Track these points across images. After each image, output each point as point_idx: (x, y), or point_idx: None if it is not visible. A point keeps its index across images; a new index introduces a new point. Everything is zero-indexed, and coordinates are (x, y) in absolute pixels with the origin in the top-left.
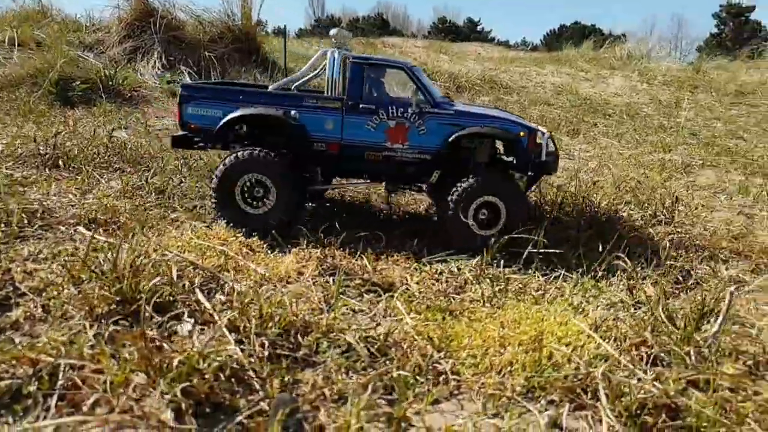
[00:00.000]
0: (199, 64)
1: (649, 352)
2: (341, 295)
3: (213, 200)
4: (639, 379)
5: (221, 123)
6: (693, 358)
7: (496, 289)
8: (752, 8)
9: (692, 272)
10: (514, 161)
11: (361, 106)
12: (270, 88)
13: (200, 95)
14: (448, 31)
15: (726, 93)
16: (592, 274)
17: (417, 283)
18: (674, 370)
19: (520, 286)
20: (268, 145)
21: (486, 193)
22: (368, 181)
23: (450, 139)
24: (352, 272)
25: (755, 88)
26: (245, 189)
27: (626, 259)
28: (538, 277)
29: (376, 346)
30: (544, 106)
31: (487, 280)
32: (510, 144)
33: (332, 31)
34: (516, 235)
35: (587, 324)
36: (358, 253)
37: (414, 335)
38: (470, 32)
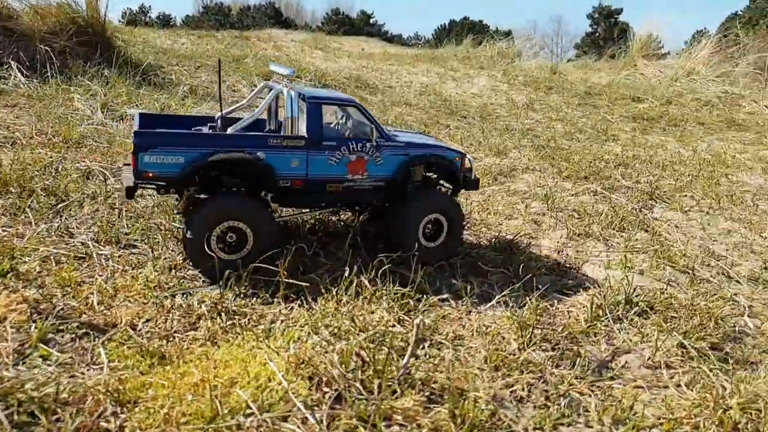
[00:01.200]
0: (34, 59)
1: (336, 388)
2: (42, 344)
3: (187, 254)
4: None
5: (187, 170)
6: (378, 391)
7: (228, 324)
8: (620, 11)
9: (442, 290)
10: (450, 181)
11: (323, 143)
12: (231, 129)
13: (158, 142)
14: (341, 23)
15: (575, 94)
16: (339, 296)
17: (147, 321)
18: (346, 409)
19: (257, 318)
20: (232, 187)
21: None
22: (324, 208)
23: (401, 167)
24: (69, 313)
25: (602, 89)
26: (220, 236)
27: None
28: (282, 306)
29: (45, 405)
30: (405, 107)
31: (223, 315)
32: (446, 167)
33: (283, 71)
34: (261, 264)
35: (292, 361)
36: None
37: (97, 389)
38: (363, 25)
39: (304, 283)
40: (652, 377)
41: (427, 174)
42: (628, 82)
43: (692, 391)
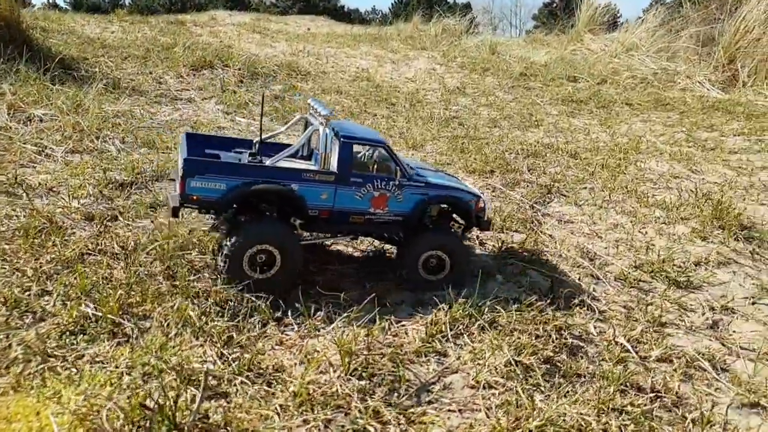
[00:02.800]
0: None
1: None
2: None
3: (223, 271)
4: None
5: (228, 196)
6: None
7: (39, 368)
8: None
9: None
10: (464, 221)
11: (351, 179)
12: (270, 161)
13: (204, 169)
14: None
15: (510, 75)
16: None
17: None
18: None
19: (72, 360)
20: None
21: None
22: (346, 236)
23: (419, 205)
24: None
25: (539, 69)
26: (252, 258)
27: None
28: (106, 344)
29: None
30: (335, 95)
31: (38, 357)
32: (461, 208)
33: (321, 110)
34: None
35: (79, 413)
36: None
37: None
38: (320, 0)
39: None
40: (470, 400)
41: (443, 210)
42: (576, 57)
43: (500, 413)
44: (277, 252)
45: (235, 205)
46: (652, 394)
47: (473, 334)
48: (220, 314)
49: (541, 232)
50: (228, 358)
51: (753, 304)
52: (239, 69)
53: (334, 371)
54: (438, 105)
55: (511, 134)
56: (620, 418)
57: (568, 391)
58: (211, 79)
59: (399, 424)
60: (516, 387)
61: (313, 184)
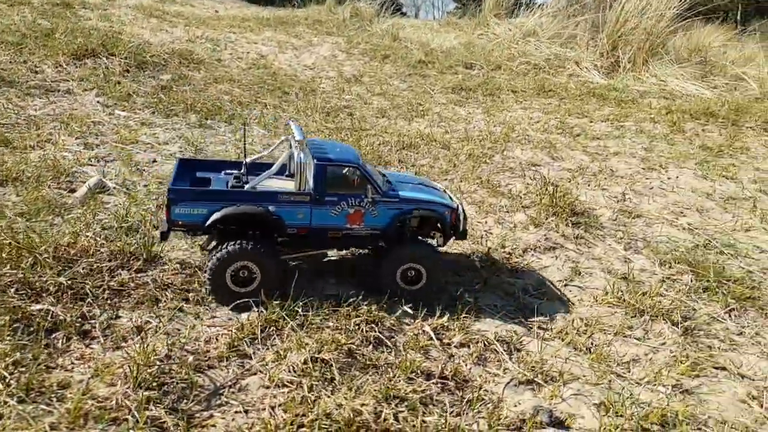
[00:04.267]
0: None
1: None
2: None
3: (207, 287)
4: None
5: (210, 221)
6: None
7: None
8: None
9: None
10: (440, 232)
11: (326, 198)
12: (249, 185)
13: (186, 197)
14: None
15: (408, 63)
16: None
17: None
18: None
19: None
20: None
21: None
22: (326, 249)
23: (394, 219)
24: None
25: (439, 56)
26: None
27: None
28: None
29: None
30: (227, 84)
31: None
32: (436, 220)
33: (297, 135)
34: None
35: None
36: None
37: None
38: None
39: None
40: (259, 399)
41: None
42: (482, 42)
43: (283, 411)
44: (256, 267)
45: (219, 226)
46: (440, 380)
47: (284, 334)
48: (11, 332)
49: None
50: (7, 378)
51: (565, 286)
52: (126, 58)
53: (124, 383)
54: (332, 94)
55: (396, 125)
56: (398, 406)
57: (361, 383)
58: (93, 68)
59: (178, 429)
60: (306, 383)
61: (289, 205)
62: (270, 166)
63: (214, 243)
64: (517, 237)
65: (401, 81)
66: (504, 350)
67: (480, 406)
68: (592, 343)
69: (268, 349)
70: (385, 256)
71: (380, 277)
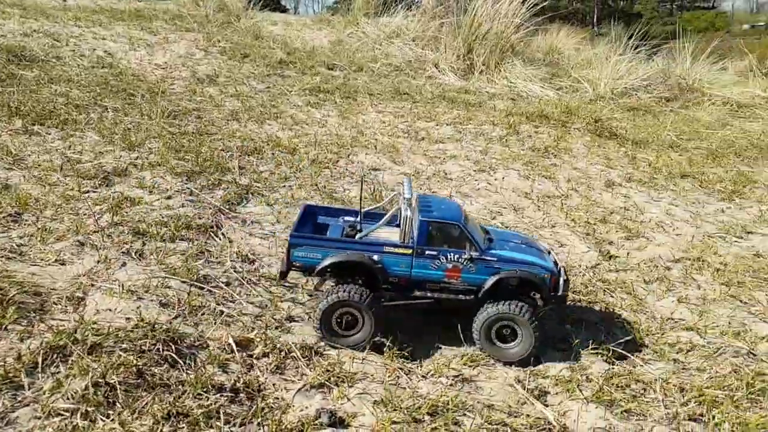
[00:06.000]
0: None
1: None
2: None
3: (317, 330)
4: None
5: (322, 265)
6: None
7: None
8: None
9: None
10: (538, 294)
11: (426, 252)
12: (360, 235)
13: (306, 242)
14: None
15: (269, 63)
16: None
17: None
18: None
19: None
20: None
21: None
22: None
23: (492, 279)
24: None
25: (301, 56)
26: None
27: None
28: None
29: None
30: (64, 85)
31: None
32: (534, 283)
33: (406, 194)
34: None
35: None
36: None
37: None
38: None
39: None
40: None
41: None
42: (352, 41)
43: None
44: (358, 313)
45: (329, 270)
46: (231, 392)
47: (70, 361)
48: None
49: (215, 235)
50: None
51: None
52: None
53: None
54: (182, 96)
55: (246, 128)
56: (179, 423)
57: (144, 404)
58: None
59: None
60: (82, 409)
61: (392, 255)
62: (383, 215)
63: (325, 286)
64: None
65: (259, 82)
66: (304, 356)
67: (267, 413)
68: (393, 344)
69: (48, 377)
70: (478, 311)
71: (473, 332)
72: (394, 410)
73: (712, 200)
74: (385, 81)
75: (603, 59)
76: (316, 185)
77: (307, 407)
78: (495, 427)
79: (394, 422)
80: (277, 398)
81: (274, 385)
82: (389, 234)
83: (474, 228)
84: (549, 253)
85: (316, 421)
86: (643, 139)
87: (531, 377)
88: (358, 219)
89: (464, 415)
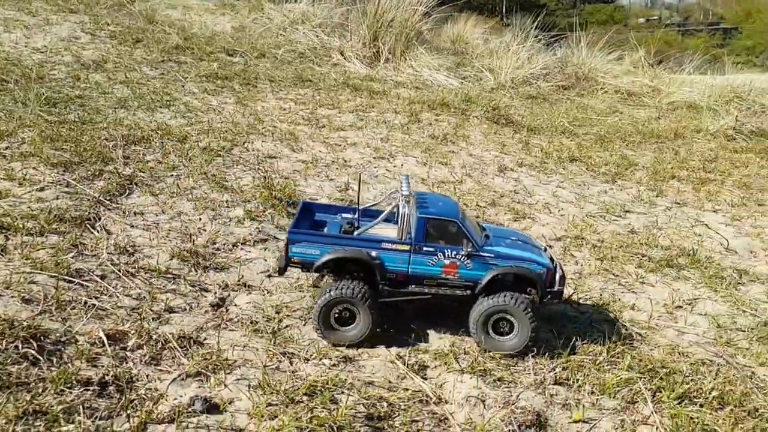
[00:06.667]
0: None
1: None
2: None
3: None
4: None
5: (320, 261)
6: None
7: None
8: None
9: None
10: (535, 290)
11: (424, 249)
12: (358, 231)
13: (304, 239)
14: None
15: (164, 49)
16: None
17: None
18: None
19: None
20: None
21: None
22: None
23: (488, 275)
24: None
25: (200, 41)
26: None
27: None
28: None
29: None
30: None
31: None
32: (531, 279)
33: (404, 191)
34: None
35: None
36: None
37: None
38: None
39: None
40: None
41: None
42: (255, 27)
43: None
44: (356, 309)
45: (329, 267)
46: (98, 386)
47: None
48: None
49: (91, 228)
50: None
51: (268, 276)
52: None
53: None
54: (64, 82)
55: (135, 116)
56: (36, 421)
57: None
58: None
59: None
60: None
61: (390, 252)
62: (381, 213)
63: (323, 282)
64: (230, 232)
65: (152, 68)
66: (182, 347)
67: (137, 405)
68: (278, 329)
69: None
70: (475, 305)
71: (469, 325)
72: (272, 393)
73: (597, 182)
74: (289, 68)
75: (505, 49)
76: (206, 174)
77: (181, 396)
78: (373, 402)
79: (271, 404)
80: (150, 389)
81: (147, 376)
82: (387, 231)
83: (471, 225)
84: (545, 249)
85: (190, 409)
86: (537, 126)
87: (412, 353)
88: (356, 216)
89: (342, 393)
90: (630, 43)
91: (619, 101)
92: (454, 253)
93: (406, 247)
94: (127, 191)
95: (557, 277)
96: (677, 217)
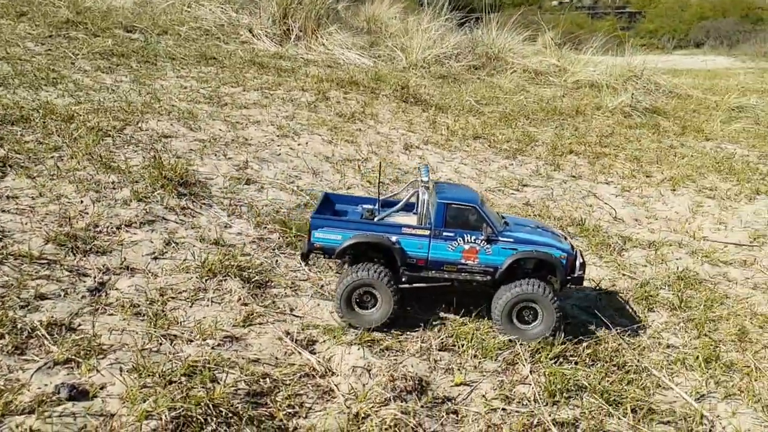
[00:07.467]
0: None
1: None
2: None
3: (338, 309)
4: None
5: (342, 246)
6: None
7: None
8: None
9: None
10: (555, 276)
11: (443, 234)
12: (378, 218)
13: (326, 224)
14: None
15: (51, 23)
16: None
17: None
18: None
19: None
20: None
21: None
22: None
23: (509, 260)
24: None
25: (94, 16)
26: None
27: None
28: None
29: None
30: None
31: None
32: (551, 264)
33: (424, 178)
34: None
35: None
36: None
37: None
38: None
39: None
40: None
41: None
42: (157, 2)
43: None
44: (377, 292)
45: (351, 252)
46: None
47: None
48: None
49: None
50: None
51: (154, 259)
52: None
53: None
54: None
55: (16, 95)
56: None
57: None
58: None
59: None
60: None
61: (410, 237)
62: (399, 203)
63: (345, 267)
64: (114, 214)
65: (37, 44)
66: (51, 334)
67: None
68: (162, 311)
69: None
70: (498, 293)
71: (492, 313)
72: (148, 376)
73: (499, 158)
74: (193, 45)
75: (417, 28)
76: (91, 155)
77: (47, 385)
78: (256, 378)
79: (145, 386)
80: (10, 380)
81: (8, 366)
82: (407, 220)
83: (490, 211)
84: (565, 238)
85: (54, 397)
86: (445, 105)
87: (300, 330)
88: (377, 207)
89: (224, 372)
90: (540, 24)
91: (527, 80)
92: (474, 238)
93: (426, 232)
94: (1, 174)
95: (577, 263)
96: (571, 190)
